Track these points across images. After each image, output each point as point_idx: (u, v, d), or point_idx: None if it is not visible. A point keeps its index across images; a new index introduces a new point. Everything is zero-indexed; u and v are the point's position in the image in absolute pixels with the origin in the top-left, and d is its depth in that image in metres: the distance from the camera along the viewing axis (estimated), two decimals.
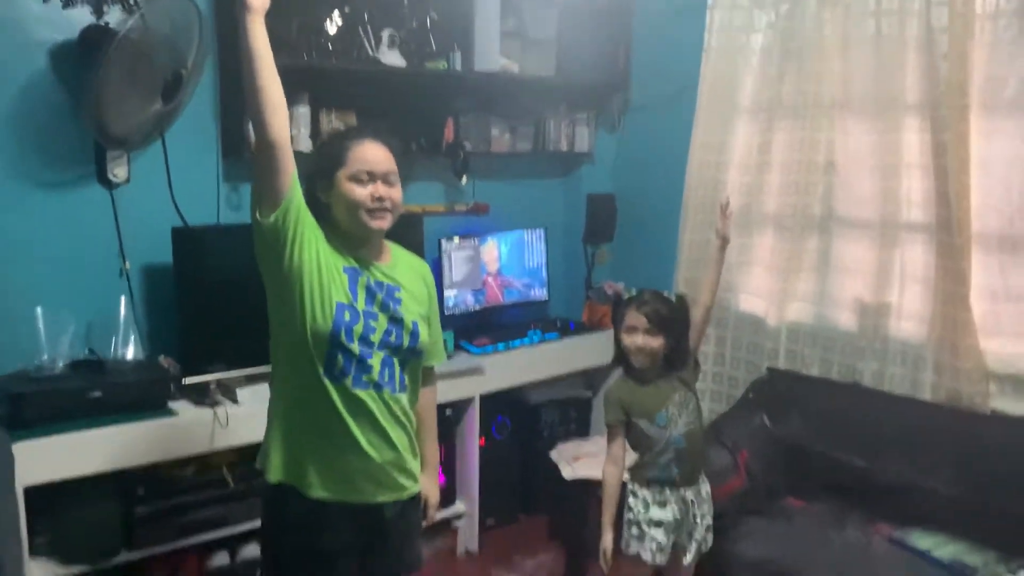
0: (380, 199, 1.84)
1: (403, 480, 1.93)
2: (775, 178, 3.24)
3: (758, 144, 3.26)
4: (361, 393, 1.81)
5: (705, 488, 2.44)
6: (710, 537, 2.45)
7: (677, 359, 2.40)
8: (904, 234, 2.91)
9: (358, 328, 1.80)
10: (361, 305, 1.83)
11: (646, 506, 2.38)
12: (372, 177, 1.84)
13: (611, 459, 2.41)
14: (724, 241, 2.51)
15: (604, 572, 2.41)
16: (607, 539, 2.39)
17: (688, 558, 2.40)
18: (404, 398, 1.91)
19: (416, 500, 2.02)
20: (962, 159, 2.65)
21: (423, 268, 2.08)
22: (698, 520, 2.40)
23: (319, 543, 1.86)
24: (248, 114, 1.86)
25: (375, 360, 1.83)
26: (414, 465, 1.98)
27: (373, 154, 1.85)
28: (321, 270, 1.79)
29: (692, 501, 2.39)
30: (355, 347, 1.80)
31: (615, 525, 2.41)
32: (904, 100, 2.84)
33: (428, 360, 2.06)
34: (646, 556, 2.36)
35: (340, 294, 1.81)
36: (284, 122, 1.70)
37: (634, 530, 2.39)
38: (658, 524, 2.36)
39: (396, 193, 1.88)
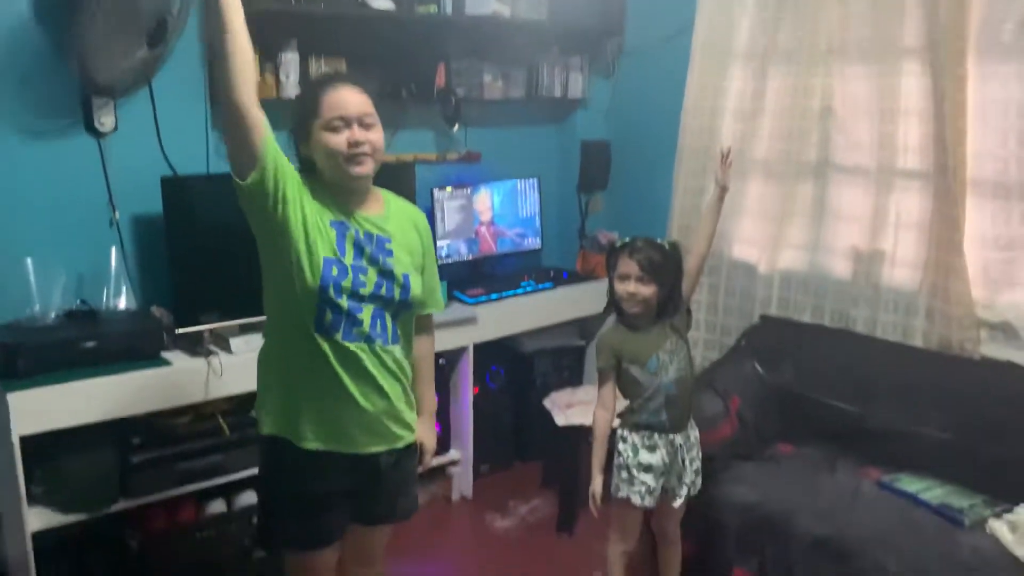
0: (357, 143, 1.79)
1: (397, 430, 1.94)
2: (770, 124, 3.21)
3: (753, 90, 3.23)
4: (351, 346, 1.81)
5: (694, 433, 2.47)
6: (699, 481, 2.49)
7: (670, 307, 2.40)
8: (900, 180, 2.90)
9: (346, 283, 1.79)
10: (349, 259, 1.81)
11: (635, 451, 2.40)
12: (347, 122, 1.79)
13: (601, 404, 2.43)
14: (723, 190, 2.49)
15: (594, 515, 2.45)
16: (596, 483, 2.42)
17: (677, 502, 2.44)
18: (397, 349, 1.90)
19: (412, 449, 2.04)
20: (959, 104, 2.62)
21: (417, 216, 2.04)
22: (686, 464, 2.43)
23: (313, 489, 1.88)
24: (215, 74, 1.81)
25: (365, 314, 1.82)
26: (409, 415, 1.99)
27: (345, 98, 1.80)
28: (307, 226, 1.77)
29: (681, 446, 2.41)
30: (343, 302, 1.79)
31: (605, 470, 2.43)
32: (902, 44, 2.80)
33: (425, 308, 2.05)
34: (635, 500, 2.39)
35: (327, 249, 1.79)
36: (251, 83, 1.67)
37: (623, 474, 2.42)
38: (647, 469, 2.39)
39: (375, 135, 1.83)
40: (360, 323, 1.81)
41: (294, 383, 1.86)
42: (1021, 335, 2.69)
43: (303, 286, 1.77)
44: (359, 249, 1.83)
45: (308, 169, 1.86)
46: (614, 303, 2.43)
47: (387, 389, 1.88)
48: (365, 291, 1.81)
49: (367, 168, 1.83)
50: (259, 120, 1.69)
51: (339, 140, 1.78)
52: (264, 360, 1.93)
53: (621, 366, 2.40)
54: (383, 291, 1.84)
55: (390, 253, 1.88)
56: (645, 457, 2.39)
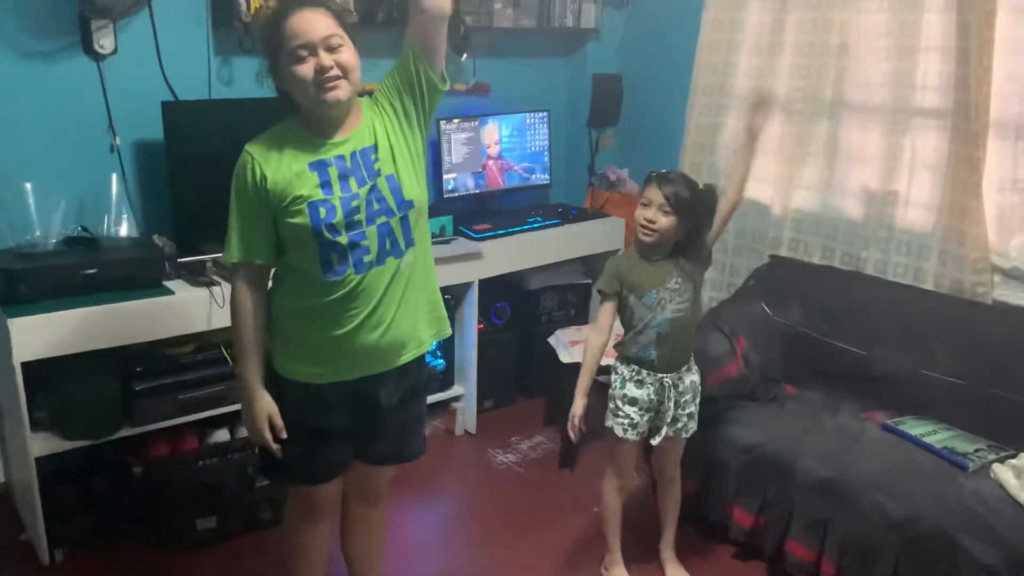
0: (324, 69, 1.68)
1: (418, 332, 1.91)
2: (787, 60, 3.11)
3: (771, 23, 3.12)
4: (368, 275, 1.77)
5: (691, 378, 2.42)
6: (692, 424, 2.44)
7: (689, 248, 2.34)
8: (916, 120, 2.83)
9: (337, 220, 1.73)
10: (336, 194, 1.74)
11: (623, 383, 2.38)
12: (311, 49, 1.68)
13: (597, 328, 2.39)
14: (754, 135, 2.42)
15: (572, 439, 2.43)
16: (577, 405, 2.37)
17: (656, 439, 2.40)
18: (409, 254, 1.83)
19: (423, 372, 2.00)
20: (986, 40, 2.52)
21: (368, 102, 1.86)
22: (672, 406, 2.37)
23: (315, 423, 1.87)
24: None
25: (370, 240, 1.77)
26: (431, 313, 1.95)
27: (306, 24, 1.68)
28: (285, 190, 1.73)
29: (670, 386, 2.36)
30: (343, 239, 1.74)
31: (596, 397, 2.40)
32: None
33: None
34: (618, 431, 2.38)
35: (310, 194, 1.73)
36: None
37: (611, 404, 2.41)
38: (632, 402, 2.36)
39: (344, 56, 1.69)
40: (367, 250, 1.77)
41: (305, 326, 1.83)
42: None
43: (298, 239, 1.75)
44: (345, 180, 1.76)
45: (287, 104, 1.79)
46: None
47: (405, 296, 1.84)
48: (360, 216, 1.75)
49: (342, 92, 1.70)
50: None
51: (306, 69, 1.68)
52: (271, 305, 1.88)
53: (623, 293, 2.36)
54: (375, 205, 1.77)
55: (376, 160, 1.79)
56: (632, 390, 2.37)
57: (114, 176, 2.71)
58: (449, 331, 2.03)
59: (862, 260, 3.00)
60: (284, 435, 1.85)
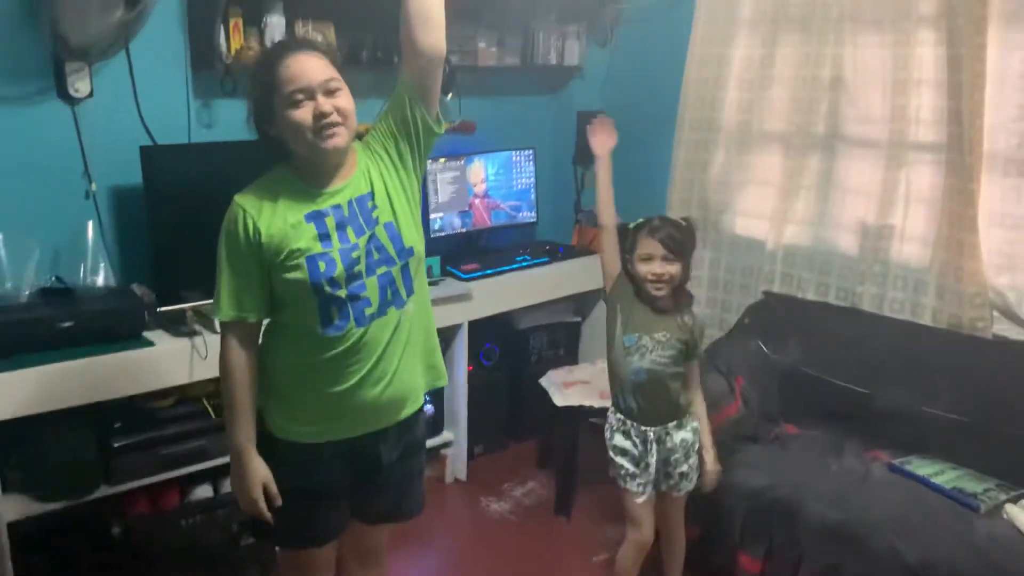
0: (323, 115, 1.61)
1: (415, 383, 1.83)
2: (777, 94, 3.09)
3: (760, 58, 3.11)
4: (369, 328, 1.68)
5: (681, 435, 2.32)
6: (685, 484, 2.36)
7: (683, 288, 2.31)
8: (911, 154, 2.80)
9: (338, 273, 1.65)
10: (335, 246, 1.66)
11: (612, 432, 2.35)
12: (309, 94, 1.61)
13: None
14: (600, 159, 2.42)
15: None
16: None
17: (641, 499, 2.32)
18: (411, 302, 1.76)
19: (419, 428, 1.91)
20: (977, 73, 2.51)
21: (359, 146, 1.80)
22: (655, 462, 2.30)
23: (311, 485, 1.78)
24: None
25: (371, 291, 1.68)
26: (428, 361, 1.87)
27: (302, 68, 1.62)
28: (280, 243, 1.64)
29: (654, 442, 2.29)
30: (342, 292, 1.66)
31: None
32: (918, 11, 2.68)
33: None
34: (619, 482, 2.33)
35: (309, 246, 1.64)
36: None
37: (609, 454, 2.36)
38: (622, 452, 2.32)
39: (342, 101, 1.64)
40: (369, 302, 1.68)
41: (299, 384, 1.73)
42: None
43: (296, 295, 1.66)
44: (342, 230, 1.68)
45: (277, 151, 1.71)
46: (633, 284, 2.32)
47: (406, 348, 1.76)
48: (360, 268, 1.67)
49: (341, 140, 1.64)
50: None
51: (303, 115, 1.61)
52: (264, 362, 1.77)
53: (619, 301, 2.32)
54: (375, 255, 1.69)
55: (374, 208, 1.71)
56: (620, 440, 2.32)
57: (90, 223, 2.60)
58: (445, 380, 1.94)
59: (858, 295, 2.96)
60: (279, 502, 1.75)
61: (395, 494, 1.90)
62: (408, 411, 1.82)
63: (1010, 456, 2.46)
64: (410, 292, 1.75)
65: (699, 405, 2.38)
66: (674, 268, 2.22)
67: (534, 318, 3.62)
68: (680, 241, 2.22)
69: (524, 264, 3.46)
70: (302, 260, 1.63)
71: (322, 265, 1.64)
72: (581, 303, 3.75)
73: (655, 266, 2.23)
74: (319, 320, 1.66)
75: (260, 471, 1.73)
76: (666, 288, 2.24)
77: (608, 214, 2.38)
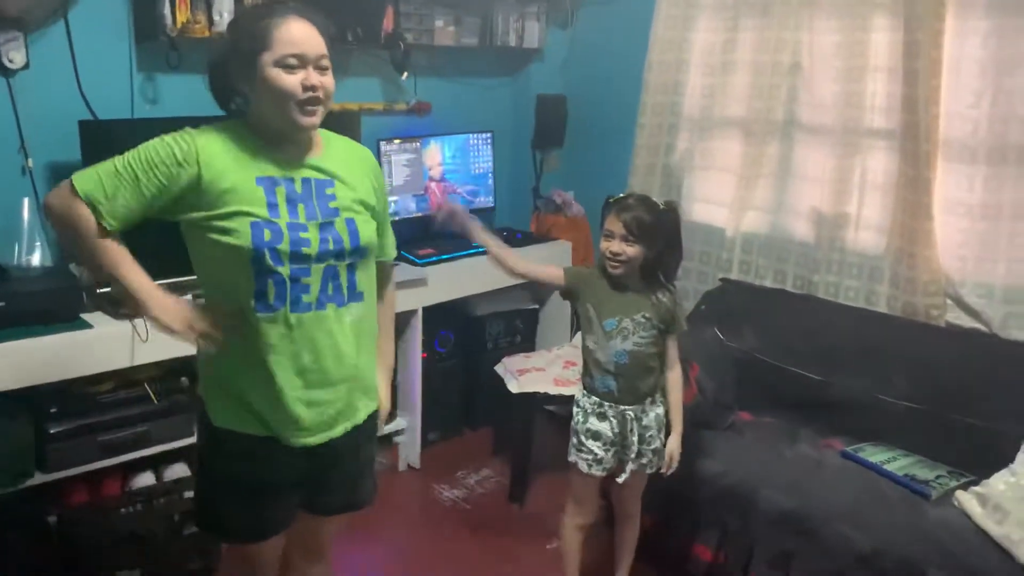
0: (312, 88, 1.55)
1: (358, 400, 1.74)
2: (739, 79, 3.07)
3: (722, 43, 3.08)
4: (304, 317, 1.60)
5: (656, 411, 2.31)
6: (657, 460, 2.34)
7: (658, 272, 2.25)
8: (866, 141, 2.80)
9: (283, 246, 1.56)
10: (284, 218, 1.57)
11: (585, 416, 2.29)
12: (303, 62, 1.55)
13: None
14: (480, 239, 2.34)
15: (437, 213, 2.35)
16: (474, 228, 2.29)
17: (623, 477, 2.31)
18: (357, 307, 1.68)
19: (372, 426, 1.83)
20: (934, 60, 2.51)
21: (366, 155, 1.80)
22: (636, 440, 2.27)
23: (258, 478, 1.68)
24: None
25: (313, 277, 1.60)
26: (372, 379, 1.79)
27: (303, 34, 1.56)
28: (222, 197, 1.54)
29: (633, 419, 2.27)
30: (284, 269, 1.56)
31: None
32: None
33: (381, 254, 1.83)
34: (582, 467, 2.28)
35: (256, 211, 1.55)
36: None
37: (574, 439, 2.31)
38: (595, 436, 2.27)
39: (329, 81, 1.60)
40: (307, 289, 1.59)
41: (237, 371, 1.63)
42: (977, 307, 2.61)
43: (234, 261, 1.55)
44: (293, 205, 1.60)
45: (233, 107, 1.64)
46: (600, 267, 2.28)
47: (345, 358, 1.67)
48: (309, 250, 1.58)
49: (318, 118, 1.59)
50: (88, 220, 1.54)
51: (293, 81, 1.54)
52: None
53: (580, 297, 2.27)
54: (330, 245, 1.61)
55: (332, 198, 1.65)
56: (594, 424, 2.27)
57: (26, 200, 2.49)
58: (376, 407, 1.84)
59: (814, 283, 2.96)
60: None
61: (348, 485, 1.82)
62: (351, 424, 1.74)
63: (962, 443, 2.47)
64: (355, 297, 1.68)
65: (676, 381, 2.34)
66: (632, 250, 2.18)
67: (491, 305, 3.57)
68: (647, 225, 2.17)
69: (481, 250, 3.37)
70: (243, 224, 1.54)
71: (267, 234, 1.55)
72: (538, 291, 3.71)
73: (613, 244, 2.19)
74: (253, 295, 1.57)
75: (178, 299, 1.61)
76: (622, 267, 2.19)
77: (516, 263, 2.36)
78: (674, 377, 2.33)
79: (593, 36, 3.71)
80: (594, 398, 2.28)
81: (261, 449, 1.65)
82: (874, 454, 2.51)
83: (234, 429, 1.65)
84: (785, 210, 3.04)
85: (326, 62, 1.59)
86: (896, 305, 2.75)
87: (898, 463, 2.46)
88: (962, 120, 2.58)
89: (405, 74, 3.27)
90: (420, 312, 3.16)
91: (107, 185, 1.54)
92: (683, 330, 2.32)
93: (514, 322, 3.67)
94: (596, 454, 2.27)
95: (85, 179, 1.54)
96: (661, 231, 2.20)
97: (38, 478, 2.39)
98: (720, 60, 3.09)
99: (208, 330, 1.57)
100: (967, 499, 2.22)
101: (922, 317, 2.67)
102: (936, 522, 2.18)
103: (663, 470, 2.32)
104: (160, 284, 1.61)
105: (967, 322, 2.64)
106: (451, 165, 3.52)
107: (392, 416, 2.17)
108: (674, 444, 2.32)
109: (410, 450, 3.32)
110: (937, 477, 2.38)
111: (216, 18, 2.68)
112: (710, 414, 2.75)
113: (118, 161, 1.56)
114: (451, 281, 3.25)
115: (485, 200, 3.68)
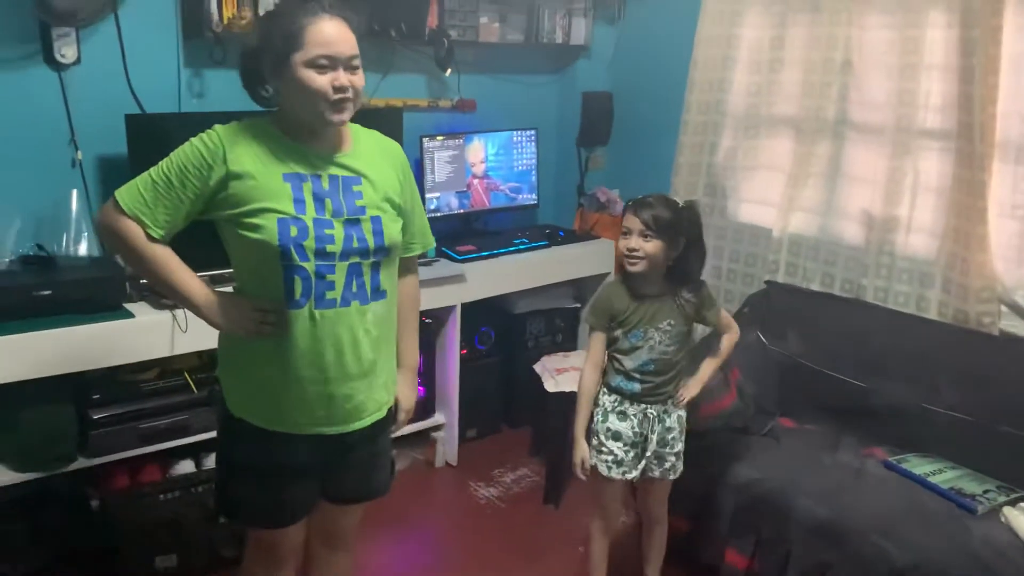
0: (343, 88, 1.57)
1: (378, 395, 1.75)
2: (788, 77, 2.99)
3: (770, 39, 3.01)
4: (327, 313, 1.62)
5: (678, 414, 2.27)
6: (680, 465, 2.30)
7: (680, 272, 2.20)
8: (919, 141, 2.70)
9: (308, 242, 1.58)
10: (310, 214, 1.60)
11: (605, 415, 2.25)
12: (334, 63, 1.57)
13: (591, 363, 2.26)
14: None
15: (583, 480, 2.29)
16: (582, 448, 2.25)
17: (633, 475, 2.25)
18: (379, 305, 1.70)
19: (388, 418, 1.85)
20: (991, 58, 2.41)
21: (393, 149, 1.80)
22: (656, 440, 2.24)
23: (276, 465, 1.71)
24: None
25: (338, 275, 1.62)
26: (392, 377, 1.81)
27: (334, 34, 1.57)
28: (249, 193, 1.57)
29: (655, 419, 2.23)
30: (310, 265, 1.59)
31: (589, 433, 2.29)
32: None
33: (412, 250, 1.85)
34: (602, 469, 2.24)
35: (280, 208, 1.58)
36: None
37: (594, 440, 2.27)
38: (615, 436, 2.23)
39: (359, 80, 1.62)
40: (332, 285, 1.62)
41: (259, 364, 1.66)
42: None
43: (263, 256, 1.58)
44: (320, 202, 1.62)
45: (264, 94, 1.67)
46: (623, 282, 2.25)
47: (364, 356, 1.68)
48: (334, 248, 1.60)
49: (347, 116, 1.62)
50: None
51: (323, 81, 1.56)
52: (225, 337, 1.73)
53: (611, 325, 2.23)
54: (355, 243, 1.63)
55: (359, 195, 1.66)
56: (614, 423, 2.23)
57: (74, 192, 2.57)
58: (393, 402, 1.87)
59: (862, 287, 2.87)
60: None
61: (362, 475, 1.84)
62: (368, 420, 1.75)
63: (1012, 457, 2.37)
64: (378, 295, 1.69)
65: (728, 344, 2.32)
66: (651, 246, 2.13)
67: (532, 303, 3.55)
68: (667, 220, 2.13)
69: (522, 247, 3.39)
70: (270, 221, 1.57)
71: (293, 230, 1.57)
72: (580, 288, 3.68)
73: (631, 240, 2.15)
74: (283, 290, 1.59)
75: (233, 300, 1.67)
76: (639, 264, 2.15)
77: (587, 382, 2.30)
78: (728, 340, 2.31)
79: (640, 32, 3.66)
80: (615, 396, 2.25)
81: (276, 436, 1.68)
82: (918, 465, 2.43)
83: (250, 418, 1.68)
84: (834, 212, 2.96)
85: (357, 62, 1.61)
86: (947, 312, 2.65)
87: (944, 476, 2.38)
88: (1020, 120, 2.48)
89: (448, 71, 3.27)
90: (459, 308, 3.16)
91: (147, 196, 1.59)
92: (717, 307, 2.28)
93: (554, 320, 3.64)
94: (616, 455, 2.23)
95: (126, 194, 1.60)
96: (681, 228, 2.16)
97: (81, 462, 2.44)
98: (768, 57, 3.02)
99: (264, 329, 1.62)
100: (1015, 515, 2.13)
101: (974, 324, 2.57)
102: (980, 538, 2.10)
103: (679, 395, 2.27)
104: (206, 275, 1.67)
105: (1022, 330, 2.53)
106: (494, 162, 3.51)
107: (412, 415, 2.19)
108: (693, 385, 2.28)
109: (447, 447, 3.33)
110: (985, 492, 2.29)
111: (261, 13, 2.72)
112: (750, 420, 2.69)
113: (154, 171, 1.61)
114: (491, 278, 3.24)
115: (528, 197, 3.66)
